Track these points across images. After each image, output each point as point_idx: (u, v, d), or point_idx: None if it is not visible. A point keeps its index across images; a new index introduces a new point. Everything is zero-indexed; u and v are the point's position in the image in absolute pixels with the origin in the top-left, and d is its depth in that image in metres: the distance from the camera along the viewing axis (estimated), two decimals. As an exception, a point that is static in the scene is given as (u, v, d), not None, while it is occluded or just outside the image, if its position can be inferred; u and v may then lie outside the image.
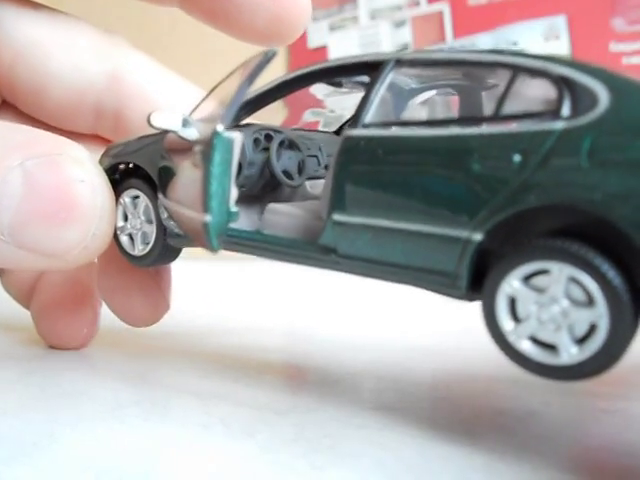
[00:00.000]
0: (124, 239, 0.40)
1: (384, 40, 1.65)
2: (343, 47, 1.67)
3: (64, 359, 0.45)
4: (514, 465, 0.27)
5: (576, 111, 0.26)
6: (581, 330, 0.25)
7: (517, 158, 0.26)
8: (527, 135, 0.27)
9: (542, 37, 1.44)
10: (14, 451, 0.30)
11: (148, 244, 0.39)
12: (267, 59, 0.31)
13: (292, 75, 0.36)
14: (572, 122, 0.26)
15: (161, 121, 0.33)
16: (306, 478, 0.27)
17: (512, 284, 0.27)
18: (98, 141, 0.46)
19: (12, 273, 0.49)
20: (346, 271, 0.32)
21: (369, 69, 0.33)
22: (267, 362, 0.45)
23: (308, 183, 0.41)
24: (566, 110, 0.26)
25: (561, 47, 1.41)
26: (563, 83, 0.27)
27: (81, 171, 0.34)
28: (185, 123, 0.33)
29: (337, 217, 0.32)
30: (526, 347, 0.26)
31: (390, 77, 0.32)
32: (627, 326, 0.24)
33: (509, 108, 0.28)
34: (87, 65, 0.43)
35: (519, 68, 0.29)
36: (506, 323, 0.27)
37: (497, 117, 0.28)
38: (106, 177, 0.36)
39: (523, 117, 0.28)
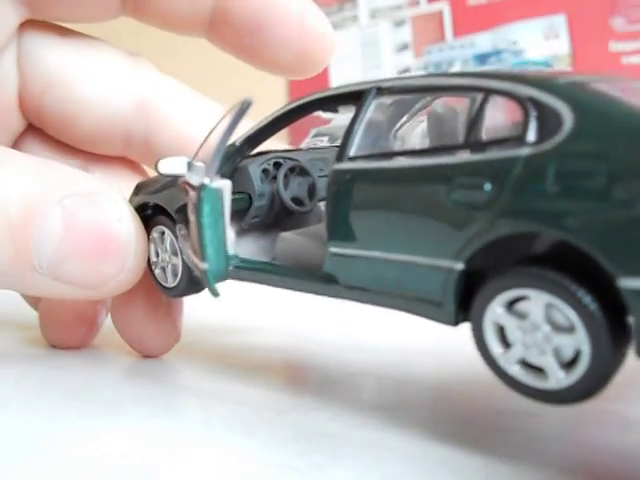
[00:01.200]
0: (158, 272, 0.41)
1: (384, 39, 1.65)
2: (343, 46, 1.67)
3: (65, 359, 0.45)
4: (514, 465, 0.27)
5: (542, 135, 0.26)
6: (567, 355, 0.25)
7: (488, 187, 0.26)
8: (496, 163, 0.26)
9: (542, 36, 1.44)
10: (14, 451, 0.30)
11: (177, 276, 0.40)
12: (242, 110, 0.33)
13: (286, 109, 0.36)
14: (538, 147, 0.25)
15: (168, 168, 0.36)
16: (306, 478, 0.27)
17: (495, 311, 0.26)
18: (127, 163, 0.47)
19: None
20: (350, 299, 0.33)
21: (354, 98, 0.34)
22: (267, 362, 0.45)
23: (322, 203, 0.42)
24: (532, 135, 0.26)
25: (561, 46, 1.42)
26: (530, 104, 0.26)
27: (117, 210, 0.36)
28: (190, 167, 0.35)
29: (333, 249, 0.32)
30: (516, 371, 0.26)
31: (372, 106, 0.33)
32: (609, 350, 0.24)
33: (480, 134, 0.28)
34: (114, 94, 0.44)
35: (489, 91, 0.28)
36: (495, 348, 0.27)
37: (469, 144, 0.28)
38: (137, 216, 0.38)
39: (493, 143, 0.27)
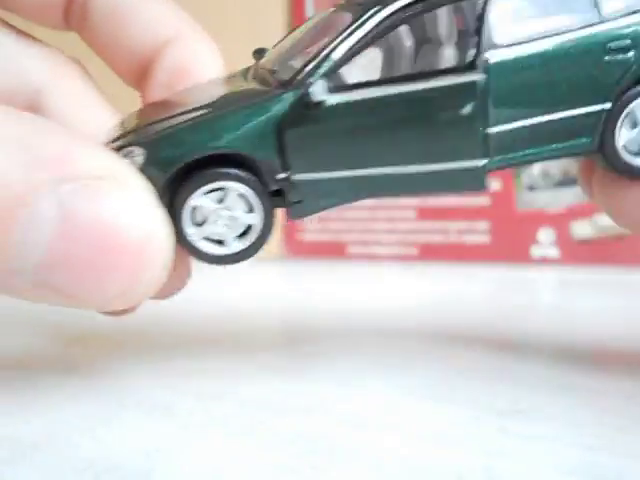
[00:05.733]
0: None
1: (385, 39, 1.65)
2: (344, 46, 1.66)
3: (64, 359, 0.45)
4: (514, 465, 0.27)
5: None
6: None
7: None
8: None
9: (543, 36, 1.44)
10: (14, 451, 0.30)
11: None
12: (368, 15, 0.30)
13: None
14: None
15: None
16: (306, 478, 0.27)
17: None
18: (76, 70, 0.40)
19: None
20: None
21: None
22: (267, 361, 0.45)
23: None
24: None
25: (562, 46, 1.42)
26: None
27: (131, 201, 0.26)
28: None
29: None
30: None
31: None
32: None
33: None
34: None
35: None
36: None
37: None
38: (159, 203, 0.28)
39: None
